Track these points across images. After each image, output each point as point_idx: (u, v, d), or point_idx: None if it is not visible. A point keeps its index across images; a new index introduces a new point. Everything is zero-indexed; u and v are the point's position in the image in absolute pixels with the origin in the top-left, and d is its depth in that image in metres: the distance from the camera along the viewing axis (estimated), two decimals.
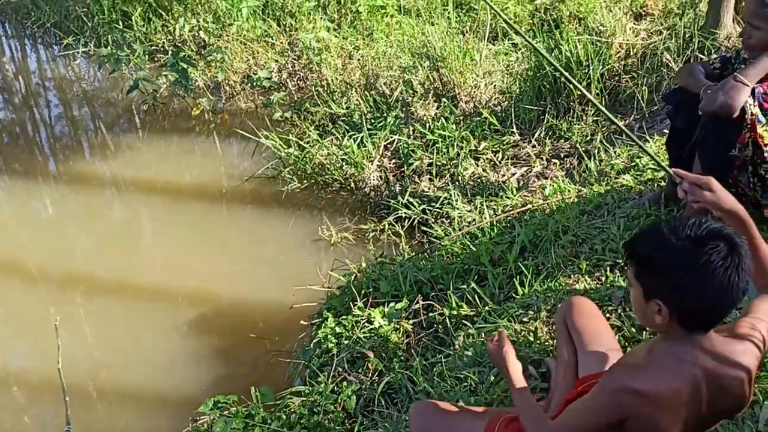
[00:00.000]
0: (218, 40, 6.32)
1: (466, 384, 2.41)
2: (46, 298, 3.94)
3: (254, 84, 5.71)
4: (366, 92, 5.26)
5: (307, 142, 4.84)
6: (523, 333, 2.53)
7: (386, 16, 6.28)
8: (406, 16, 6.21)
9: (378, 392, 2.64)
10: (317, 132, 4.96)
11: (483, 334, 2.62)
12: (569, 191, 3.48)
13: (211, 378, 3.28)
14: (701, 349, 1.53)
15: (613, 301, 2.52)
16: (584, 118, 4.40)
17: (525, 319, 2.61)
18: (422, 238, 4.02)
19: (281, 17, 6.41)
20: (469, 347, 2.56)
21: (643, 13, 5.25)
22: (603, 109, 1.72)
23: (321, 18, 6.22)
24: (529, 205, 3.42)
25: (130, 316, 3.73)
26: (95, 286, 4.01)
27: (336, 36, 5.98)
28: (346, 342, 3.00)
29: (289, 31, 6.28)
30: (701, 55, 4.26)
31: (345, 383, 2.76)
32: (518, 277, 2.90)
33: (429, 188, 4.41)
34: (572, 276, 2.76)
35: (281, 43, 6.18)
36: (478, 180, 4.32)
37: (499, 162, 4.41)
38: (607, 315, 2.44)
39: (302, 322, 3.36)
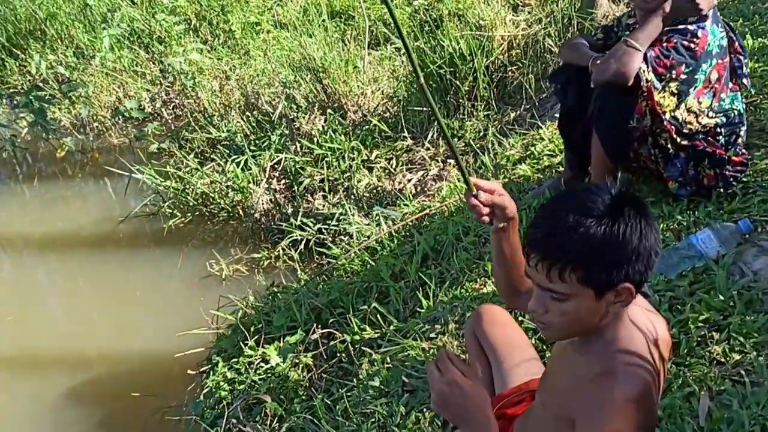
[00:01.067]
0: (81, 75, 5.81)
1: (373, 420, 2.11)
2: None
3: (125, 117, 5.26)
4: (247, 113, 4.92)
5: (187, 172, 4.44)
6: (431, 351, 2.26)
7: (261, 32, 5.97)
8: (282, 31, 5.91)
9: None
10: (197, 160, 4.57)
11: (388, 358, 2.33)
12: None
13: None
14: (637, 316, 1.36)
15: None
16: (474, 114, 4.22)
17: (432, 335, 2.35)
18: (321, 260, 3.70)
19: (149, 44, 5.98)
20: (374, 376, 2.26)
21: (521, 3, 5.16)
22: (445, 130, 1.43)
23: (192, 41, 5.84)
24: (427, 210, 3.17)
25: None
26: None
27: (209, 57, 5.61)
28: (240, 387, 2.65)
29: (159, 57, 5.86)
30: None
31: None
32: (422, 288, 2.64)
33: (323, 206, 4.12)
34: (478, 280, 2.52)
35: (151, 71, 5.75)
36: (374, 191, 4.06)
37: (394, 169, 4.17)
38: (520, 318, 2.20)
39: (190, 371, 2.97)
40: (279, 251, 3.83)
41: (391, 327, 2.54)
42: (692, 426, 1.69)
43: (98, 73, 5.70)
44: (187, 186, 4.37)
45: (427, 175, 4.06)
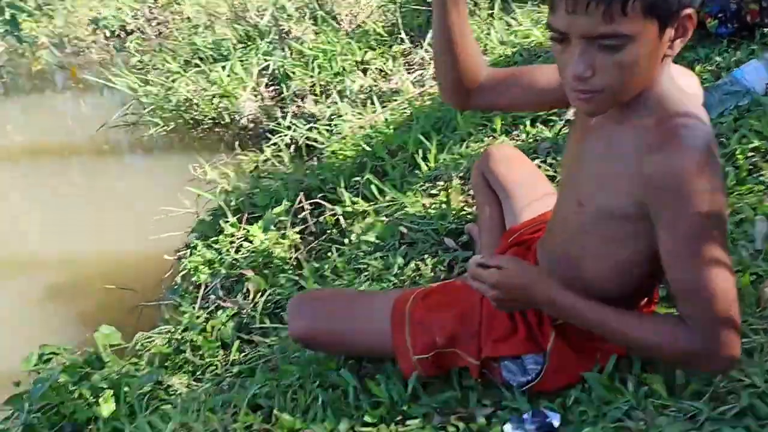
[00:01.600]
0: None
1: (367, 274, 1.84)
2: None
3: (106, 35, 4.94)
4: (234, 24, 4.60)
5: (168, 78, 4.13)
6: (433, 206, 1.98)
7: None
8: None
9: (259, 312, 2.02)
10: (180, 67, 4.26)
11: (385, 217, 2.05)
12: None
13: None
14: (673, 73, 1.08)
15: (540, 153, 2.00)
16: (479, 5, 3.88)
17: (434, 192, 2.06)
18: (312, 160, 3.41)
19: None
20: (368, 231, 1.98)
21: None
22: None
23: None
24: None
25: None
26: None
27: None
28: (220, 268, 2.37)
29: None
30: None
31: (219, 312, 2.13)
32: (421, 155, 2.34)
33: (314, 110, 3.82)
34: (485, 140, 2.23)
35: None
36: (369, 92, 3.75)
37: (390, 70, 3.86)
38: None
39: (167, 257, 2.69)
40: (267, 154, 3.53)
41: (387, 198, 2.26)
42: (748, 249, 1.42)
43: None
44: (169, 92, 4.06)
45: (425, 75, 3.76)
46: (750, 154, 1.68)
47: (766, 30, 2.07)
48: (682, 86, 1.09)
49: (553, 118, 2.16)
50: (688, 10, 0.96)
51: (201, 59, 4.31)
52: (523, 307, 1.24)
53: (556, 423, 1.21)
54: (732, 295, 1.00)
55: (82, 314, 2.77)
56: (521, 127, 2.19)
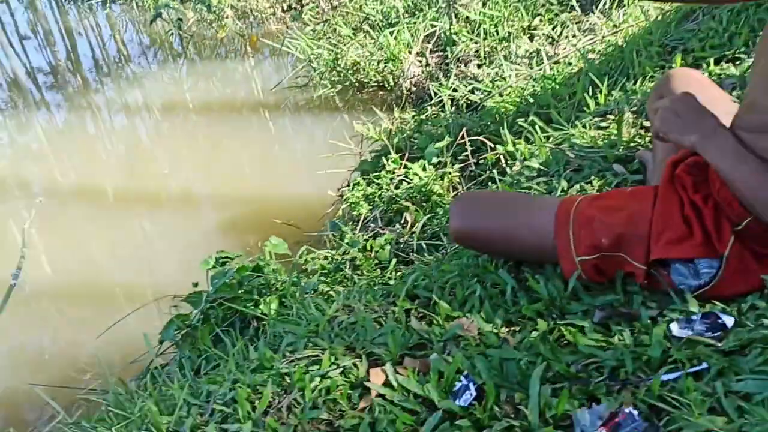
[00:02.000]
0: None
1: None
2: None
3: (283, 4, 5.24)
4: None
5: (339, 42, 4.31)
6: (602, 137, 1.92)
7: None
8: None
9: (416, 239, 2.07)
10: (350, 32, 4.43)
11: (549, 145, 2.01)
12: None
13: None
14: None
15: (725, 87, 1.88)
16: None
17: (603, 125, 2.00)
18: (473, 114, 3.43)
19: None
20: (532, 157, 1.96)
21: None
22: None
23: None
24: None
25: (156, 219, 3.29)
26: (115, 193, 3.59)
27: None
28: (379, 202, 2.45)
29: None
30: None
31: (378, 238, 2.21)
32: (591, 95, 2.28)
33: (477, 74, 3.82)
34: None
35: None
36: (534, 56, 3.70)
37: (558, 36, 3.78)
38: None
39: (329, 192, 2.82)
40: (428, 112, 3.59)
41: (551, 139, 2.22)
42: None
43: None
44: (339, 55, 4.24)
45: (594, 40, 3.64)
46: None
47: None
48: None
49: (741, 56, 2.02)
50: None
51: (371, 26, 4.46)
52: (682, 132, 1.23)
53: (729, 323, 1.15)
54: None
55: (250, 248, 2.97)
56: (704, 66, 2.07)
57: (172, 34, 5.43)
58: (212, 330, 1.87)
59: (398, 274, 1.95)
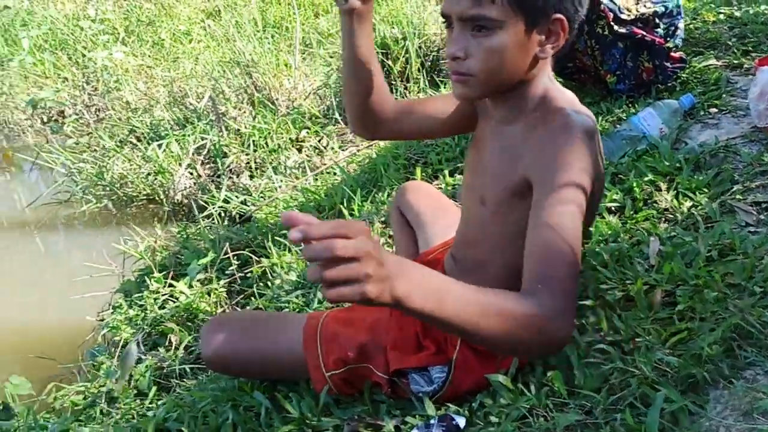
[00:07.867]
0: None
1: (288, 310, 1.84)
2: None
3: (43, 120, 4.97)
4: (174, 108, 4.69)
5: (104, 154, 4.16)
6: None
7: (192, 41, 5.82)
8: (214, 42, 5.76)
9: (178, 363, 1.99)
10: (116, 144, 4.29)
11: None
12: None
13: None
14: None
15: (458, 198, 2.09)
16: (407, 95, 4.10)
17: None
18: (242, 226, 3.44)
19: (72, 50, 5.75)
20: (290, 271, 1.99)
21: None
22: None
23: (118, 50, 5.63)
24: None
25: None
26: None
27: (135, 57, 5.41)
28: (142, 325, 2.33)
29: (84, 62, 5.62)
30: None
31: (139, 365, 2.08)
32: (348, 209, 2.40)
33: (249, 185, 3.88)
34: None
35: (74, 75, 5.49)
36: (302, 167, 3.85)
37: (325, 147, 3.98)
38: None
39: (88, 318, 2.63)
40: (195, 227, 3.54)
41: None
42: (643, 266, 1.50)
43: (15, 74, 5.41)
44: (105, 169, 4.08)
45: (359, 150, 3.89)
46: (645, 186, 1.80)
47: (660, 86, 2.26)
48: (568, 95, 1.20)
49: None
50: (558, 15, 1.07)
51: (138, 139, 4.37)
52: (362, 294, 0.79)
53: (461, 424, 1.22)
54: (576, 264, 0.96)
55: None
56: (441, 176, 2.29)
57: None
58: None
59: (161, 402, 1.85)
